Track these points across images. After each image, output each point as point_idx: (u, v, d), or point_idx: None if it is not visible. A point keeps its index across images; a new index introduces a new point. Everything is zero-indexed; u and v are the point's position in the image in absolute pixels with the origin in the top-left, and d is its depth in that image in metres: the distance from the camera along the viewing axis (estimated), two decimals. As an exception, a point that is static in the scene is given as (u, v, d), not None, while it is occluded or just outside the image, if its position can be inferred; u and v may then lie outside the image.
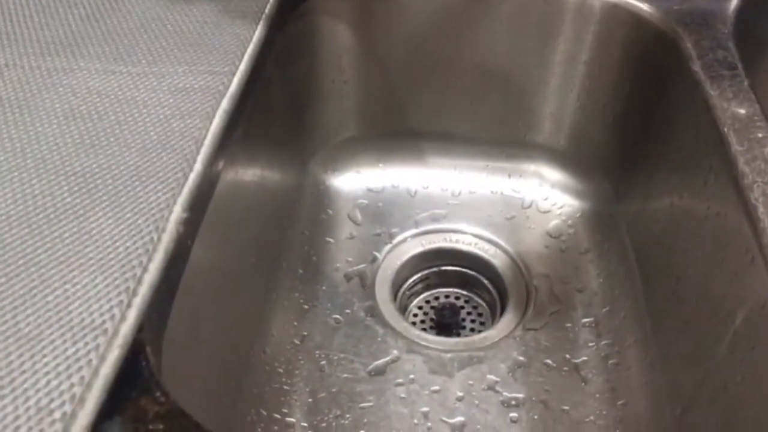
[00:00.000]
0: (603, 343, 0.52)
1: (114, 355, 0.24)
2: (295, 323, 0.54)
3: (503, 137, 0.62)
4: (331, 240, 0.61)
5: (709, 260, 0.40)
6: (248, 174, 0.46)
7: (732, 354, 0.36)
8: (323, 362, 0.52)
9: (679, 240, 0.46)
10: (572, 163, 0.61)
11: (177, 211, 0.30)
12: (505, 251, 0.60)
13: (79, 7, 0.42)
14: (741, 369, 0.35)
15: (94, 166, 0.32)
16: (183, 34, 0.41)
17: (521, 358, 0.52)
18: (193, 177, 0.32)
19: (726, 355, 0.37)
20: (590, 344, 0.52)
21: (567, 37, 0.54)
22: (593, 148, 0.58)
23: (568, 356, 0.52)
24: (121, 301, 0.26)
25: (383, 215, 0.63)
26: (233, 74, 0.38)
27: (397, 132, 0.64)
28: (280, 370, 0.51)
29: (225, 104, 0.36)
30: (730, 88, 0.43)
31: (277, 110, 0.52)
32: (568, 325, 0.54)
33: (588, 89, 0.56)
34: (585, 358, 0.51)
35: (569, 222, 0.61)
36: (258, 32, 0.41)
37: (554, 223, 0.61)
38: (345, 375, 0.51)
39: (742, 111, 0.41)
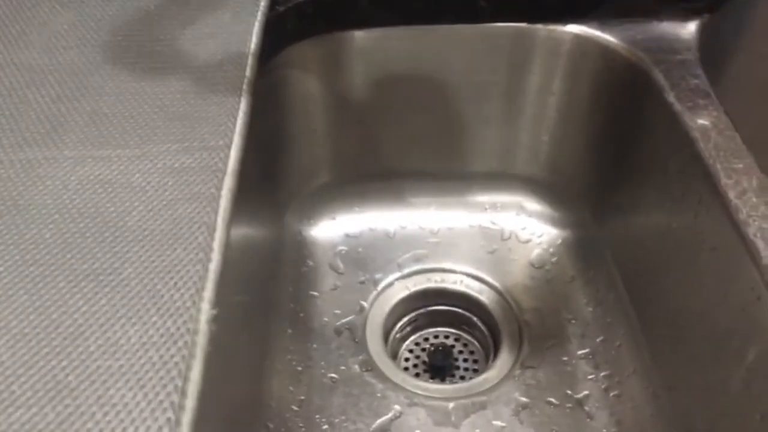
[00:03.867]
0: (602, 374, 0.52)
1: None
2: (291, 388, 0.53)
3: (478, 170, 0.63)
4: (316, 293, 0.60)
5: (711, 293, 0.41)
6: (233, 238, 0.44)
7: (748, 390, 0.37)
8: (325, 427, 0.51)
9: (672, 270, 0.47)
10: (549, 192, 0.62)
11: (205, 309, 0.28)
12: (491, 286, 0.60)
13: (47, 88, 0.40)
14: (759, 407, 0.36)
15: (105, 266, 0.30)
16: (166, 108, 0.39)
17: (523, 398, 0.52)
18: (213, 267, 0.30)
19: (741, 391, 0.38)
20: (589, 377, 0.52)
21: (537, 70, 0.55)
22: (570, 176, 0.59)
23: (569, 392, 0.52)
24: (169, 419, 0.25)
25: (365, 261, 0.62)
26: (229, 148, 0.37)
27: (370, 174, 0.63)
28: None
29: (228, 183, 0.35)
30: (708, 117, 0.45)
31: (251, 168, 0.51)
32: (565, 358, 0.54)
33: (561, 119, 0.57)
34: (586, 392, 0.52)
35: (551, 250, 0.61)
36: (243, 100, 0.40)
37: (536, 252, 0.62)
38: (351, 438, 0.50)
39: (723, 141, 0.43)
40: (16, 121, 0.37)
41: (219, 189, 0.34)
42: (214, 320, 0.29)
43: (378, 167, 0.63)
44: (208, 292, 0.29)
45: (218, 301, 0.32)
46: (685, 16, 0.53)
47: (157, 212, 0.33)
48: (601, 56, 0.52)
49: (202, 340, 0.27)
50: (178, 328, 0.28)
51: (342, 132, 0.60)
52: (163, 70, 0.41)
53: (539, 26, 0.54)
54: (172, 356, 0.27)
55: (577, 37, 0.53)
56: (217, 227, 0.32)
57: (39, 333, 0.27)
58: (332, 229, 0.63)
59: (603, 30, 0.52)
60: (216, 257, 0.31)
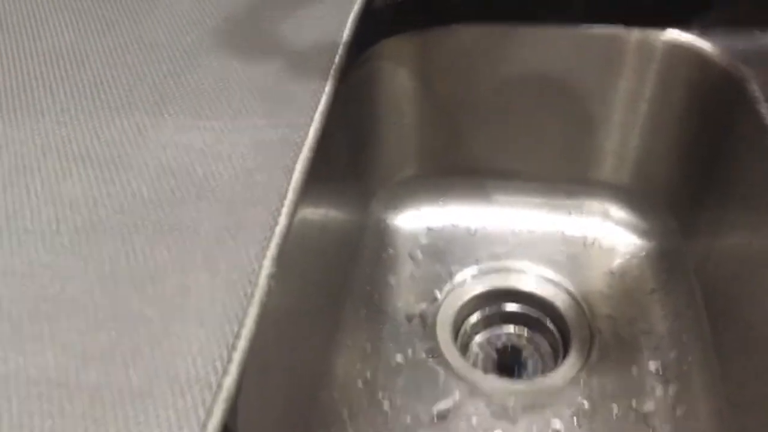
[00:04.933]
0: (670, 390, 0.51)
1: (219, 410, 0.26)
2: (359, 365, 0.55)
3: (564, 174, 0.63)
4: (392, 279, 0.62)
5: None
6: (313, 218, 0.47)
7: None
8: (387, 404, 0.53)
9: (754, 291, 0.45)
10: (635, 201, 0.61)
11: (267, 266, 0.31)
12: (567, 290, 0.60)
13: (162, 65, 0.44)
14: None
15: (188, 221, 0.34)
16: (259, 87, 0.43)
17: (586, 404, 0.52)
18: (278, 230, 0.33)
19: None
20: (657, 391, 0.51)
21: (629, 75, 0.55)
22: (657, 185, 0.58)
23: (634, 403, 0.51)
24: (222, 356, 0.28)
25: (443, 254, 0.64)
26: (309, 126, 0.40)
27: (456, 170, 0.65)
28: (345, 415, 0.52)
29: (304, 155, 0.37)
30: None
31: (339, 153, 0.54)
32: (634, 369, 0.53)
33: (651, 127, 0.56)
34: (651, 406, 0.51)
35: (634, 261, 0.60)
36: (329, 85, 0.43)
37: (618, 261, 0.61)
38: (408, 419, 0.52)
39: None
40: (131, 91, 0.42)
41: (294, 161, 0.37)
42: (274, 278, 0.32)
43: (464, 164, 0.64)
44: (271, 251, 0.32)
45: (288, 267, 0.35)
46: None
47: (238, 178, 0.36)
48: (697, 64, 0.51)
49: (260, 292, 0.30)
50: (242, 280, 0.31)
51: (431, 126, 0.62)
52: (261, 54, 0.45)
53: (635, 30, 0.53)
54: (233, 303, 0.30)
55: (673, 44, 0.52)
56: (287, 195, 0.35)
57: (125, 273, 0.31)
58: (416, 220, 0.66)
59: (701, 37, 0.51)
60: (282, 221, 0.34)
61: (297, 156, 0.37)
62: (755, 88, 0.47)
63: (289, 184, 0.36)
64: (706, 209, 0.53)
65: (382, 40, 0.54)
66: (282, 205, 0.34)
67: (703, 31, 0.51)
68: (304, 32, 0.47)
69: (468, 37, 0.56)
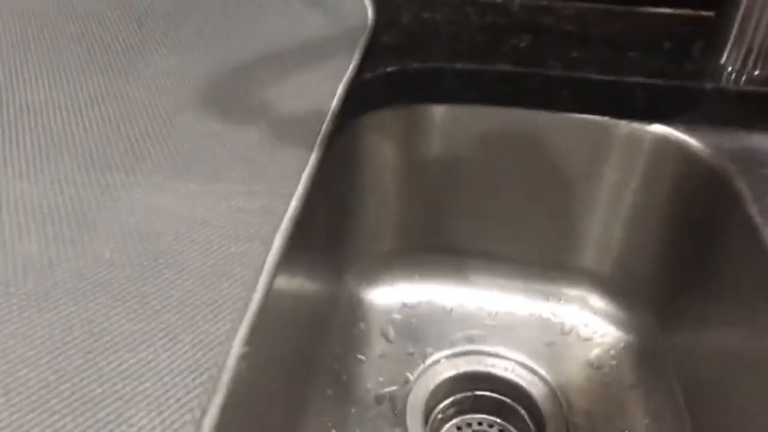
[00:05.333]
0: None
1: None
2: (324, 451, 0.52)
3: (544, 259, 0.61)
4: (363, 357, 0.59)
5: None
6: (286, 290, 0.44)
7: None
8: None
9: (739, 394, 0.43)
10: (616, 292, 0.59)
11: (237, 346, 0.29)
12: (543, 379, 0.58)
13: (138, 122, 0.43)
14: None
15: (152, 290, 0.31)
16: (240, 152, 0.41)
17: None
18: (252, 308, 0.31)
19: None
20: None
21: (615, 166, 0.54)
22: (638, 278, 0.57)
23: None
24: (179, 449, 0.25)
25: (417, 332, 0.61)
26: (291, 196, 0.38)
27: (434, 247, 0.63)
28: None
29: (285, 228, 0.35)
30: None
31: (318, 223, 0.52)
32: (612, 469, 0.51)
33: (635, 219, 0.55)
34: None
35: (612, 352, 0.59)
36: (314, 154, 0.41)
37: (596, 352, 0.59)
38: None
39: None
40: (103, 147, 0.40)
41: (274, 234, 0.35)
42: (245, 359, 0.29)
43: (443, 241, 0.62)
44: (243, 330, 0.29)
45: (257, 344, 0.33)
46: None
47: (212, 247, 0.34)
48: (684, 159, 0.51)
49: (226, 375, 0.27)
50: (207, 361, 0.28)
51: (412, 202, 0.60)
52: (245, 119, 0.44)
53: (621, 122, 0.53)
54: (196, 387, 0.27)
55: (661, 138, 0.52)
56: (264, 269, 0.33)
57: (78, 344, 0.28)
58: (389, 295, 0.63)
59: (688, 133, 0.51)
60: (257, 297, 0.31)
61: (277, 228, 0.35)
62: (743, 187, 0.46)
63: (266, 258, 0.33)
64: (688, 306, 0.52)
65: (369, 112, 0.53)
66: (257, 281, 0.32)
67: (690, 127, 0.51)
68: (291, 98, 0.46)
69: (456, 115, 0.55)
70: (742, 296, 0.45)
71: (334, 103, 0.46)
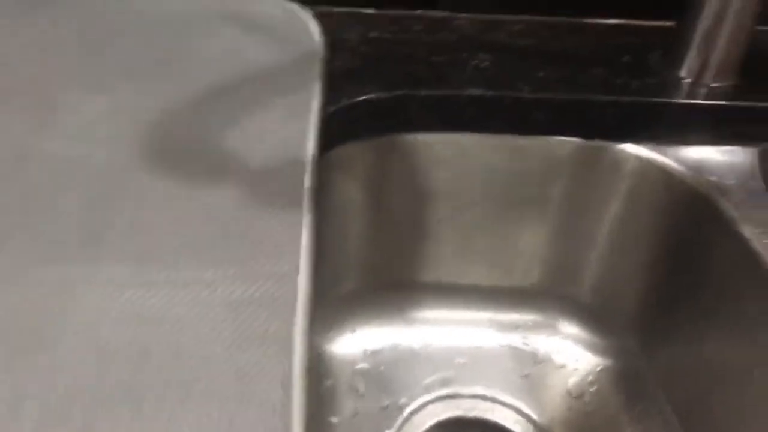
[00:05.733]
0: None
1: None
2: None
3: (511, 287, 0.58)
4: (335, 419, 0.53)
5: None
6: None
7: None
8: None
9: (730, 407, 0.43)
10: (586, 314, 0.58)
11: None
12: (526, 416, 0.55)
13: (81, 188, 0.34)
14: None
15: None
16: (218, 220, 0.34)
17: None
18: (293, 439, 0.24)
19: None
20: None
21: (588, 188, 0.52)
22: (616, 301, 0.55)
23: None
24: None
25: (388, 382, 0.56)
26: (296, 274, 0.31)
27: (397, 285, 0.58)
28: None
29: (301, 323, 0.29)
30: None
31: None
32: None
33: (608, 238, 0.54)
34: None
35: (589, 378, 0.57)
36: (307, 214, 0.35)
37: (573, 380, 0.57)
38: None
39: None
40: (47, 228, 0.31)
41: (290, 329, 0.28)
42: None
43: (406, 277, 0.58)
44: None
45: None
46: (744, 142, 0.50)
47: (214, 359, 0.27)
48: (662, 179, 0.49)
49: None
50: None
51: (375, 239, 0.55)
52: (210, 175, 0.36)
53: (593, 143, 0.51)
54: None
55: (632, 157, 0.50)
56: (293, 382, 0.26)
57: None
58: (353, 343, 0.58)
59: (659, 151, 0.49)
60: (297, 423, 0.25)
61: (291, 321, 0.29)
62: (729, 207, 0.45)
63: (291, 362, 0.27)
64: (677, 330, 0.51)
65: (333, 148, 0.47)
66: (290, 398, 0.25)
67: (660, 144, 0.50)
68: (256, 143, 0.39)
69: (420, 145, 0.51)
70: (729, 308, 0.45)
71: (310, 146, 0.39)
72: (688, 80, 0.51)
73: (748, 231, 0.43)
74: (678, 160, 0.49)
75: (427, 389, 0.56)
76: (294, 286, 0.31)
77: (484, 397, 0.56)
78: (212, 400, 0.25)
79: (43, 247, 0.30)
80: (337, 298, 0.57)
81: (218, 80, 0.43)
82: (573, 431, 0.54)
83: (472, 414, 0.55)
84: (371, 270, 0.57)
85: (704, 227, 0.47)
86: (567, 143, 0.51)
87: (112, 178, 0.35)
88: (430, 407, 0.55)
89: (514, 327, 0.59)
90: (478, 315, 0.60)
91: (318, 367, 0.55)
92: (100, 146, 0.37)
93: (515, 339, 0.59)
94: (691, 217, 0.48)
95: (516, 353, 0.59)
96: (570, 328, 0.58)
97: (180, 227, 0.32)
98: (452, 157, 0.51)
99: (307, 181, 0.37)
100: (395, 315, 0.59)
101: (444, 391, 0.56)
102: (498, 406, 0.55)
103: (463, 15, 0.58)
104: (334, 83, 0.47)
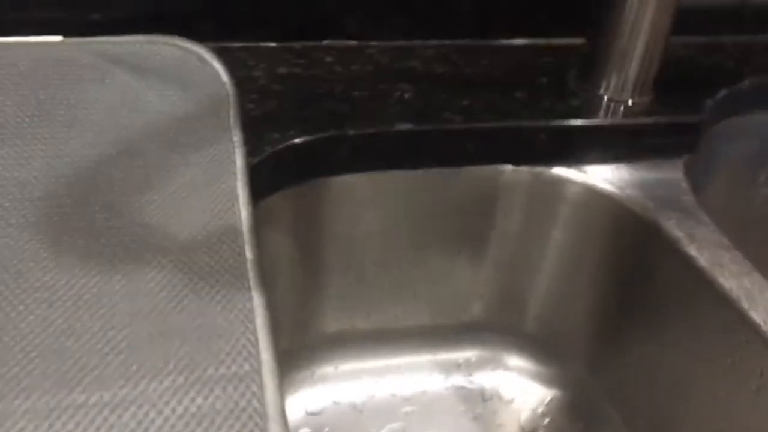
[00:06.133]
0: None
1: None
2: None
3: (454, 323, 0.56)
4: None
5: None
6: None
7: None
8: None
9: (685, 419, 0.42)
10: (533, 346, 0.56)
11: None
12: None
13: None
14: None
15: None
16: (155, 317, 0.28)
17: None
18: None
19: None
20: None
21: (526, 215, 0.50)
22: (561, 328, 0.54)
23: None
24: None
25: (334, 445, 0.51)
26: (259, 374, 0.26)
27: (334, 338, 0.54)
28: None
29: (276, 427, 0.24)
30: (732, 264, 0.42)
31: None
32: None
33: (549, 266, 0.52)
34: None
35: (540, 411, 0.55)
36: (257, 295, 0.30)
37: (525, 415, 0.55)
38: None
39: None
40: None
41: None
42: None
43: (343, 327, 0.53)
44: None
45: None
46: (667, 154, 0.51)
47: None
48: (598, 203, 0.48)
49: None
50: None
51: (306, 292, 0.50)
52: (135, 258, 0.30)
53: (525, 170, 0.49)
54: None
55: (571, 182, 0.49)
56: None
57: None
58: (291, 407, 0.52)
59: (596, 174, 0.49)
60: None
61: (265, 429, 0.24)
62: (657, 218, 0.45)
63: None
64: (627, 354, 0.50)
65: (258, 203, 0.42)
66: None
67: (597, 166, 0.49)
68: (184, 212, 0.33)
69: (350, 187, 0.47)
70: (678, 326, 0.44)
71: (243, 211, 0.34)
72: (609, 98, 0.51)
73: (692, 249, 0.43)
74: (611, 182, 0.48)
75: (378, 447, 0.52)
76: (260, 389, 0.26)
77: (438, 447, 0.52)
78: None
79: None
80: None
81: (123, 137, 0.37)
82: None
83: (428, 467, 0.51)
84: (304, 326, 0.52)
85: (646, 247, 0.46)
86: (499, 172, 0.49)
87: (10, 277, 0.28)
88: (384, 467, 0.51)
89: (457, 366, 0.57)
90: (420, 358, 0.56)
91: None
92: (-14, 235, 0.30)
93: (459, 379, 0.56)
94: (632, 238, 0.47)
95: (463, 393, 0.56)
96: (515, 360, 0.57)
97: (108, 332, 0.27)
98: (382, 197, 0.48)
99: (249, 252, 0.32)
100: (331, 371, 0.54)
101: (395, 447, 0.52)
102: (454, 454, 0.52)
103: (374, 43, 0.55)
104: (252, 129, 0.42)
